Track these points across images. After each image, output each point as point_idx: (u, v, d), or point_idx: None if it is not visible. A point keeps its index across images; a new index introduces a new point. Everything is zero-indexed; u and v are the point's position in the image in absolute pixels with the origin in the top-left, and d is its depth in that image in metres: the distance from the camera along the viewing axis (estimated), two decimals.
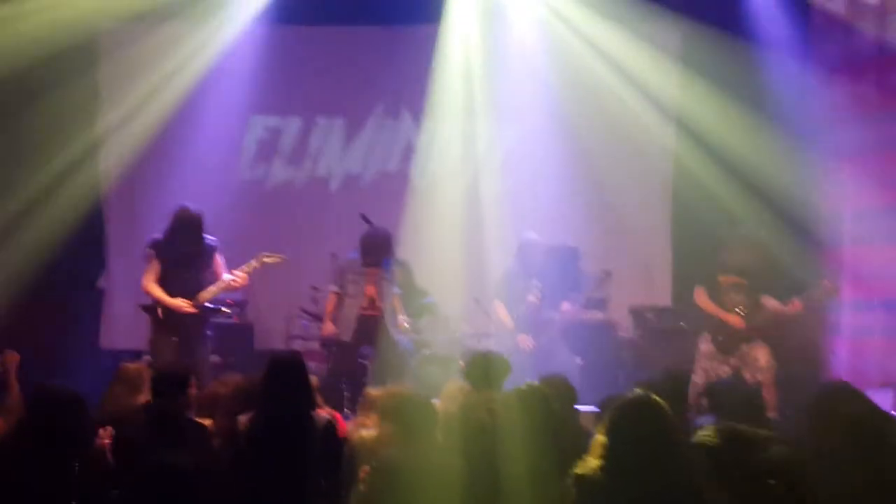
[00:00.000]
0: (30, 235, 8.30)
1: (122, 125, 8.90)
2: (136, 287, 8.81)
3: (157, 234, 6.79)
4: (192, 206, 6.80)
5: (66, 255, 8.53)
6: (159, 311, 6.76)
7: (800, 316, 6.85)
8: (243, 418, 4.39)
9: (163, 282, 6.70)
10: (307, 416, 4.31)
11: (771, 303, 6.77)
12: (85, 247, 8.97)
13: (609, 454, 3.54)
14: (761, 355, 6.79)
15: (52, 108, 8.47)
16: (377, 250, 7.09)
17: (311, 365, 7.84)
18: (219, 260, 6.84)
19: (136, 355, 8.35)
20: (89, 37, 8.74)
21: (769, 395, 6.52)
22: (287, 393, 4.30)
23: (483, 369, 4.96)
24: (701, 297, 6.99)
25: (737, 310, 6.81)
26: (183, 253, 6.69)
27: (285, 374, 4.36)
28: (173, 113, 8.88)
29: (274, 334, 8.97)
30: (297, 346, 8.56)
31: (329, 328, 7.20)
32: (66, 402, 4.18)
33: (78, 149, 8.71)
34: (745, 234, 6.98)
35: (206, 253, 6.78)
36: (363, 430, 4.70)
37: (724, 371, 6.83)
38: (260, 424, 4.26)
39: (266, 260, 6.90)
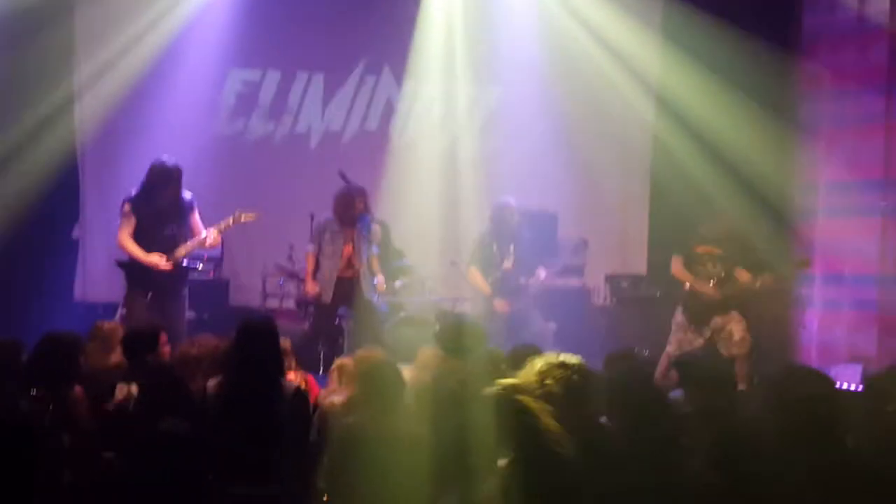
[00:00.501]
0: (5, 186, 8.20)
1: (99, 76, 8.73)
2: (112, 239, 8.79)
3: (133, 189, 6.69)
4: (169, 159, 6.68)
5: (41, 205, 8.43)
6: (134, 266, 6.69)
7: (770, 289, 6.93)
8: (212, 383, 4.38)
9: (139, 237, 6.61)
10: (276, 383, 4.30)
11: (743, 275, 6.84)
12: (60, 197, 8.87)
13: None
14: (736, 329, 6.83)
15: (27, 59, 8.34)
16: (350, 208, 7.09)
17: (286, 324, 7.93)
18: (196, 216, 6.77)
19: (111, 308, 8.37)
20: None
21: (741, 369, 6.60)
22: (257, 359, 4.26)
23: (456, 336, 4.96)
24: (676, 267, 7.03)
25: (712, 281, 6.89)
26: (159, 208, 6.60)
27: (256, 340, 4.32)
28: (150, 65, 8.73)
29: (250, 291, 8.95)
30: (273, 304, 8.57)
31: (312, 287, 7.22)
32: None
33: (54, 100, 8.57)
34: (722, 210, 7.02)
35: (183, 208, 6.70)
36: (334, 395, 4.74)
37: (698, 343, 6.88)
38: (229, 390, 4.26)
39: (242, 218, 6.84)
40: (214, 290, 8.61)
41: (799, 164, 7.78)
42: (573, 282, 8.37)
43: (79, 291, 9.22)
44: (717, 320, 6.90)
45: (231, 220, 6.79)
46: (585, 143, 8.90)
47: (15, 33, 8.28)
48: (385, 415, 4.20)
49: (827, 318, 7.68)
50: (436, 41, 8.85)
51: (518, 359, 4.63)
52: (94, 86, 8.77)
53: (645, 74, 8.71)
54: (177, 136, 8.87)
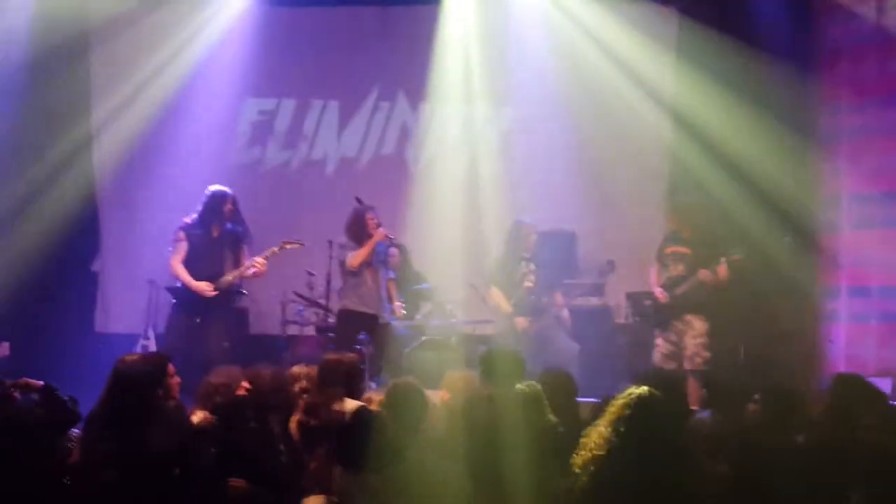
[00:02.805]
0: (28, 224, 8.28)
1: (116, 113, 8.85)
2: (131, 271, 8.86)
3: (188, 217, 6.97)
4: (225, 190, 6.99)
5: (62, 239, 8.50)
6: (181, 292, 6.91)
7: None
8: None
9: (189, 263, 6.86)
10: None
11: (702, 273, 6.72)
12: (80, 231, 8.93)
13: (613, 447, 3.57)
14: (690, 342, 6.76)
15: (45, 100, 8.47)
16: (363, 226, 7.08)
17: (306, 351, 7.88)
18: (245, 247, 7.02)
19: (132, 339, 8.38)
20: (81, 27, 8.70)
21: (692, 386, 6.22)
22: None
23: (499, 365, 4.87)
24: (652, 273, 7.11)
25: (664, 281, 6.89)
26: (212, 236, 6.90)
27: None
28: (168, 97, 8.83)
29: (269, 319, 8.93)
30: (293, 331, 8.53)
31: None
32: None
33: (73, 138, 8.69)
34: (687, 202, 7.02)
35: (236, 238, 6.98)
36: None
37: (667, 349, 6.86)
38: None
39: (287, 246, 7.07)
40: (235, 319, 8.56)
41: (821, 178, 7.68)
42: (594, 301, 8.28)
43: (99, 323, 9.24)
44: (677, 325, 6.83)
45: (277, 249, 7.03)
46: (603, 162, 8.81)
47: (33, 75, 8.43)
48: (409, 435, 4.16)
49: (854, 332, 7.55)
50: (451, 64, 8.83)
51: (549, 384, 4.59)
52: (112, 122, 8.90)
53: (660, 92, 8.62)
54: (194, 167, 8.93)
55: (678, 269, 6.89)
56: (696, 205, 7.10)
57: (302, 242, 7.15)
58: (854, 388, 4.10)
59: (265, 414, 4.61)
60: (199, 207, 6.95)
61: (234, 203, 6.97)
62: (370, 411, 4.56)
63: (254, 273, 6.93)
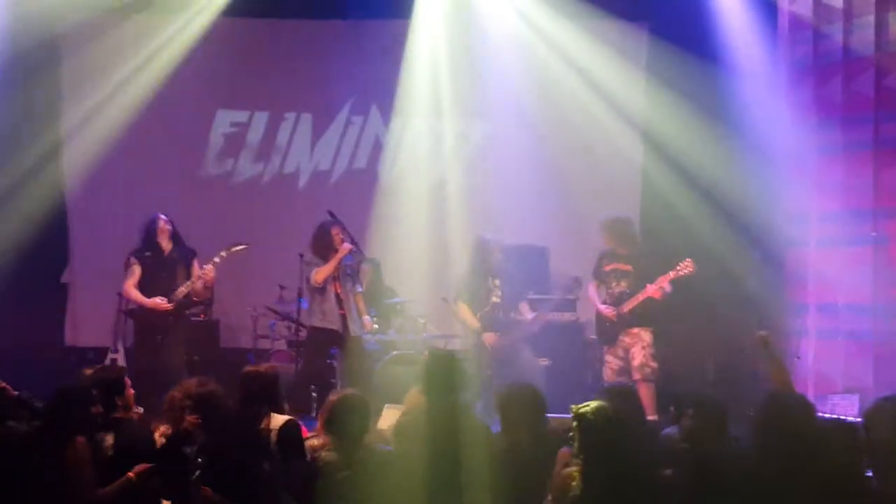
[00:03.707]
0: None
1: (87, 121, 8.79)
2: (101, 283, 8.80)
3: (137, 243, 7.12)
4: (156, 216, 7.07)
5: (30, 251, 8.43)
6: (141, 313, 7.03)
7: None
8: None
9: (143, 286, 7.00)
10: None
11: (649, 287, 6.83)
12: (49, 242, 8.86)
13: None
14: (637, 353, 6.86)
15: (15, 106, 8.41)
16: (327, 241, 7.08)
17: (277, 365, 7.84)
18: (196, 264, 7.08)
19: (101, 352, 8.32)
20: (52, 34, 8.65)
21: (645, 396, 6.40)
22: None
23: (441, 377, 4.80)
24: (591, 290, 7.21)
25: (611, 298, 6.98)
26: (161, 257, 7.02)
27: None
28: (138, 108, 8.79)
29: (241, 332, 8.92)
30: (264, 345, 8.50)
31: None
32: None
33: (42, 146, 8.63)
34: (617, 218, 7.12)
35: (185, 256, 7.09)
36: (315, 438, 4.70)
37: (616, 364, 6.97)
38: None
39: (233, 249, 7.12)
40: (205, 332, 8.57)
41: (788, 196, 7.74)
42: (566, 316, 8.30)
43: (69, 336, 9.17)
44: (624, 340, 6.93)
45: (224, 254, 7.08)
46: (573, 178, 8.86)
47: (3, 81, 8.32)
48: (350, 450, 4.17)
49: (822, 349, 7.59)
50: (421, 79, 8.87)
51: (516, 398, 4.56)
52: (82, 130, 8.82)
53: (631, 108, 8.71)
54: (165, 178, 8.91)
55: (621, 286, 7.01)
56: (627, 221, 7.21)
57: (246, 244, 7.19)
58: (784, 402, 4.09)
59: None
60: (141, 235, 7.10)
61: (169, 224, 7.08)
62: (297, 425, 4.53)
63: (203, 283, 7.01)
